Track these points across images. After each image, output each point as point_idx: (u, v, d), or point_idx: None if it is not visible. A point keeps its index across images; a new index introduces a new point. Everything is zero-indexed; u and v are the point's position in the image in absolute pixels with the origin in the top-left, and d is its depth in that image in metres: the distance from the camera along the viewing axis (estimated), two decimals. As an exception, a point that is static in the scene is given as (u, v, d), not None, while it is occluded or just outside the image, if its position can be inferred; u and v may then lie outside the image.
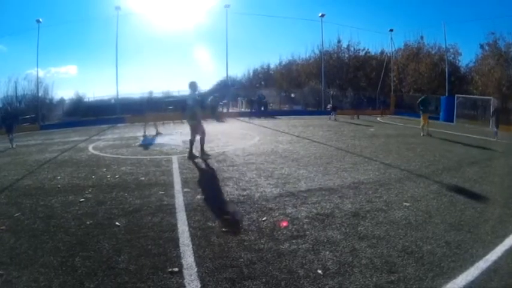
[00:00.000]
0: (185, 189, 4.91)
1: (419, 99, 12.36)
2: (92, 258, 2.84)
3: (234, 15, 36.69)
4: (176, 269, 2.64)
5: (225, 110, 25.19)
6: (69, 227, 3.60)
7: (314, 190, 4.80)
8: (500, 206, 4.16)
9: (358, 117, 20.01)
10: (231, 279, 2.50)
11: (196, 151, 7.43)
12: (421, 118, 11.85)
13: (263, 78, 44.12)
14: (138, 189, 4.98)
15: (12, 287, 2.44)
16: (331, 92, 20.73)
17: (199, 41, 53.39)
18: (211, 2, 57.61)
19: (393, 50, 29.49)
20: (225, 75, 33.37)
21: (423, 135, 11.37)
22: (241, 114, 23.56)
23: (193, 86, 7.34)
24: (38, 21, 22.36)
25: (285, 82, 37.25)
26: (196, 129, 7.23)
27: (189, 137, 7.53)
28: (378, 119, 20.03)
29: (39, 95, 26.14)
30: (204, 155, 7.29)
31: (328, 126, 15.09)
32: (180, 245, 3.09)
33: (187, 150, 7.43)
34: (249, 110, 25.14)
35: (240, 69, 69.00)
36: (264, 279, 2.49)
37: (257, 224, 3.57)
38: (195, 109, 7.13)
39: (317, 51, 33.61)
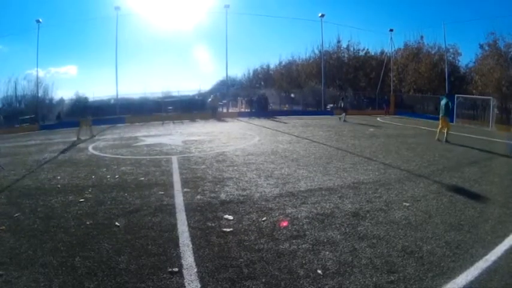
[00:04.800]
0: (185, 189, 4.91)
1: (446, 101, 10.21)
2: (92, 258, 2.84)
3: (233, 15, 36.72)
4: (176, 269, 2.64)
5: (224, 110, 25.21)
6: (69, 227, 3.60)
7: (314, 190, 4.81)
8: (499, 205, 4.17)
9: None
10: (231, 279, 2.49)
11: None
12: (440, 121, 10.21)
13: (263, 78, 44.02)
14: (137, 189, 4.98)
15: (12, 287, 2.44)
16: (344, 94, 20.40)
17: (199, 41, 53.31)
18: (211, 2, 57.72)
19: (393, 50, 29.51)
20: (225, 75, 33.35)
21: (438, 139, 9.89)
22: (241, 115, 23.54)
23: None
24: (38, 21, 22.38)
25: (285, 82, 37.20)
26: None
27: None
28: (378, 119, 20.02)
29: (39, 95, 26.22)
30: None
31: (328, 126, 15.09)
32: (180, 245, 3.10)
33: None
34: (248, 110, 25.12)
35: (240, 69, 68.76)
36: (264, 279, 2.49)
37: (257, 224, 3.57)
38: None
39: (317, 52, 33.54)
